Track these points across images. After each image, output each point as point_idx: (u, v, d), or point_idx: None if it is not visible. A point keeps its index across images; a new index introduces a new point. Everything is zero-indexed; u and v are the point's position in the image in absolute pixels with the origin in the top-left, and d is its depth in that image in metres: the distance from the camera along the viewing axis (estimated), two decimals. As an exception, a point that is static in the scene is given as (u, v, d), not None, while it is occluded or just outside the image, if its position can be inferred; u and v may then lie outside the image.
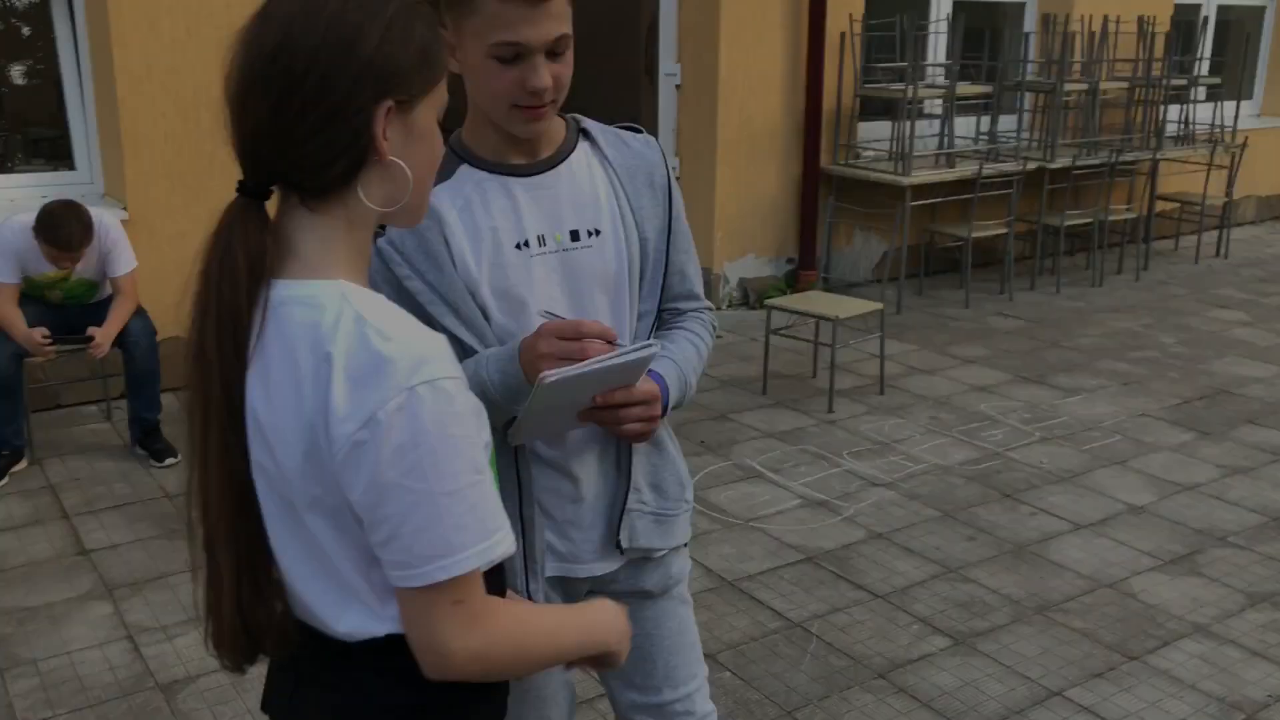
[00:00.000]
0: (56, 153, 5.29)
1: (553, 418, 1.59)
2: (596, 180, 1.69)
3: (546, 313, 1.59)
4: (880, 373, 5.43)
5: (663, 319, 1.80)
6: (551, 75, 1.52)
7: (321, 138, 1.13)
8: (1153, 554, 3.80)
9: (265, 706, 1.35)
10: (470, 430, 1.13)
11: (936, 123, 7.48)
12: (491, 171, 1.62)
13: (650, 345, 1.54)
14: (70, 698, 2.97)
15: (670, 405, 1.69)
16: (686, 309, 1.82)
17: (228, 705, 2.93)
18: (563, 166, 1.66)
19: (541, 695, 1.79)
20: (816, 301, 5.43)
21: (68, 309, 4.40)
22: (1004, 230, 7.15)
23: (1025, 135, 7.81)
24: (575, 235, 1.66)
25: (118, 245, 4.31)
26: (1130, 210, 8.02)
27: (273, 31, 1.13)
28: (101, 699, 2.96)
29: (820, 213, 6.99)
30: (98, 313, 4.37)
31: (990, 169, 6.97)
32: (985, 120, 7.71)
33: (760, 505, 4.15)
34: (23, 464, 4.38)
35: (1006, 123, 7.89)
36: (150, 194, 4.95)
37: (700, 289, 1.84)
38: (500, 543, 1.14)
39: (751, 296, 6.91)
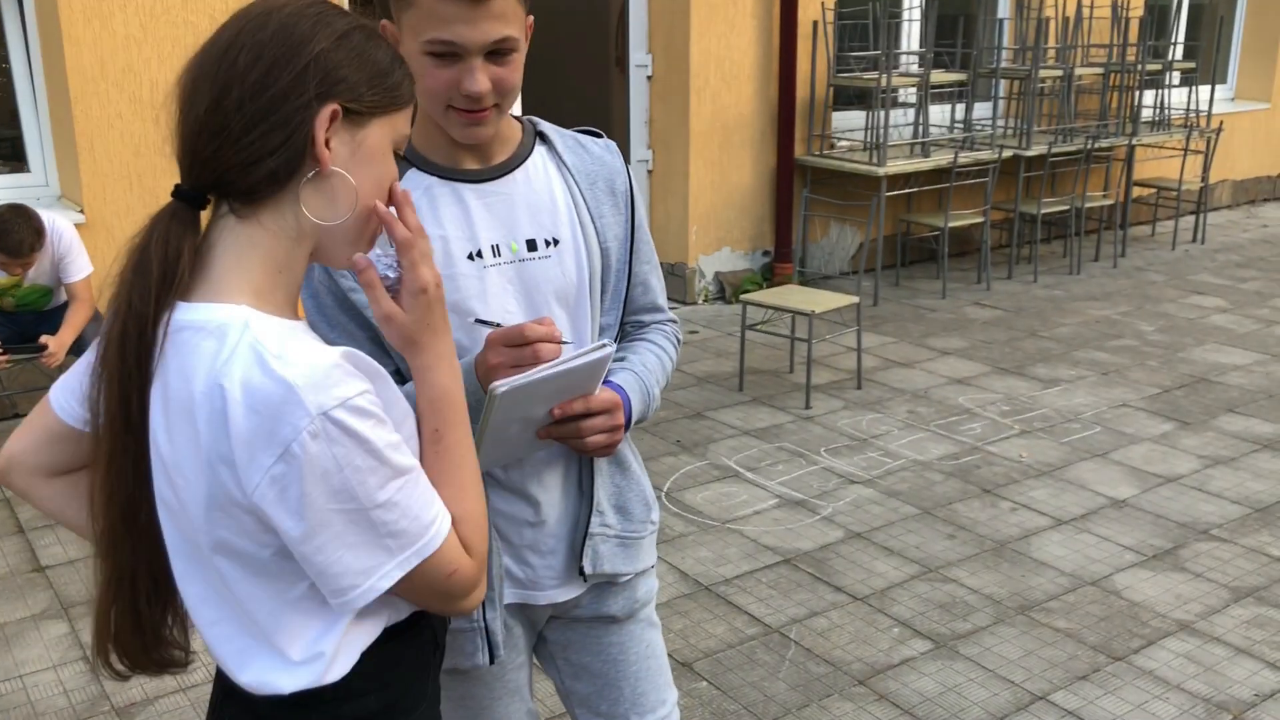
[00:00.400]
0: (12, 154, 5.15)
1: (512, 436, 1.49)
2: (554, 187, 1.59)
3: (479, 321, 1.50)
4: (857, 367, 5.36)
5: (625, 331, 1.71)
6: (492, 79, 1.42)
7: (256, 132, 1.08)
8: (1135, 549, 3.74)
9: None
10: (387, 434, 1.08)
11: (911, 111, 7.41)
12: (442, 177, 1.53)
13: (605, 345, 1.46)
14: (22, 723, 2.86)
15: (633, 418, 1.60)
16: (650, 321, 1.73)
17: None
18: (518, 172, 1.57)
19: (503, 725, 1.70)
20: (792, 295, 5.35)
21: (21, 316, 4.28)
22: (980, 219, 7.09)
23: (1000, 123, 7.75)
24: (532, 245, 1.56)
25: (72, 250, 4.19)
26: (1106, 197, 7.97)
27: (227, 34, 1.12)
28: (55, 724, 2.86)
29: (795, 204, 6.91)
30: (53, 319, 4.24)
31: (965, 157, 6.90)
32: (960, 108, 7.64)
33: (737, 505, 4.07)
34: (-22, 476, 4.25)
35: (981, 110, 7.83)
36: (107, 195, 4.82)
37: (664, 301, 1.75)
38: (438, 533, 1.13)
39: (727, 290, 6.83)
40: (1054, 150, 7.35)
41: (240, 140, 1.08)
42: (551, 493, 1.62)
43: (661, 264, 6.86)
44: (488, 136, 1.50)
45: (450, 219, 1.52)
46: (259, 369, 1.04)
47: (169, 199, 1.13)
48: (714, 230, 6.75)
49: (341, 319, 1.51)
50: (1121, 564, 3.64)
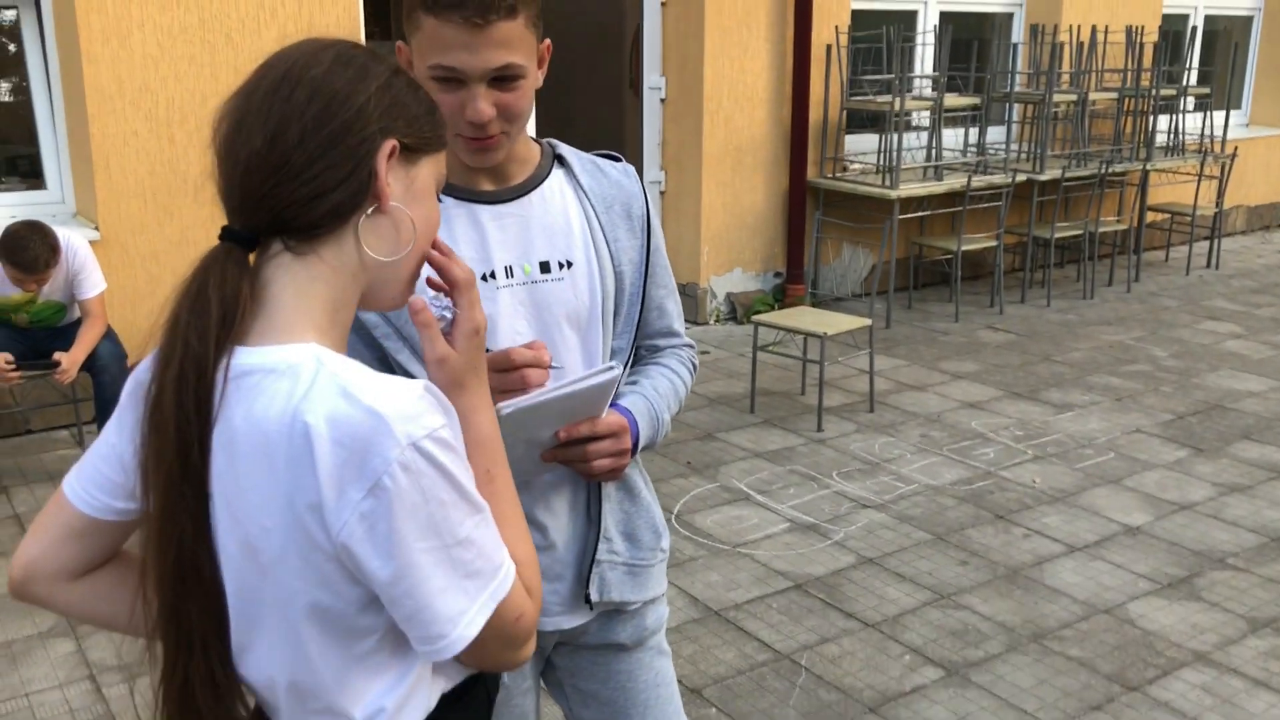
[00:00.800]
0: (31, 171, 5.18)
1: (517, 459, 1.48)
2: (570, 209, 1.59)
3: None
4: (870, 390, 5.34)
5: (640, 355, 1.70)
6: (497, 105, 1.41)
7: (319, 165, 1.06)
8: (1150, 577, 3.70)
9: None
10: (466, 469, 1.07)
11: (924, 135, 7.41)
12: (457, 198, 1.52)
13: (611, 368, 1.44)
14: (28, 742, 2.85)
15: (641, 443, 1.59)
16: (665, 345, 1.72)
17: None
18: (535, 194, 1.56)
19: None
20: (804, 317, 5.34)
21: (35, 332, 4.29)
22: (993, 243, 7.08)
23: (1014, 147, 7.74)
24: (545, 267, 1.55)
25: (86, 266, 4.20)
26: (1120, 221, 7.95)
27: (274, 72, 1.10)
28: (61, 743, 2.84)
29: (808, 226, 6.90)
30: (66, 336, 4.25)
31: (979, 181, 6.89)
32: (973, 132, 7.64)
33: (748, 529, 4.04)
34: (-11, 492, 4.26)
35: (995, 134, 7.82)
36: (122, 213, 4.84)
37: (680, 326, 1.74)
38: (509, 574, 1.10)
39: (739, 311, 6.82)
40: (1068, 175, 7.34)
41: (301, 175, 1.06)
42: (559, 518, 1.60)
43: (674, 285, 6.90)
44: (496, 161, 1.50)
45: (465, 240, 1.52)
46: (344, 401, 1.01)
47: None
48: (726, 251, 6.75)
49: (353, 341, 1.50)
50: (1136, 592, 3.61)
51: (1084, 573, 3.73)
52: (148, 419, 1.06)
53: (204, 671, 1.10)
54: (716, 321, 6.78)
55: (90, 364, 4.23)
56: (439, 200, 1.20)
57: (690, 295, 6.74)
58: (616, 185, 1.63)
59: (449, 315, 1.21)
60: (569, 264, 1.57)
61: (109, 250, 4.72)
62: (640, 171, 6.79)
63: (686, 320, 6.67)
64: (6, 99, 5.27)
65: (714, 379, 5.73)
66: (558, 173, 1.60)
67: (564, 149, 1.62)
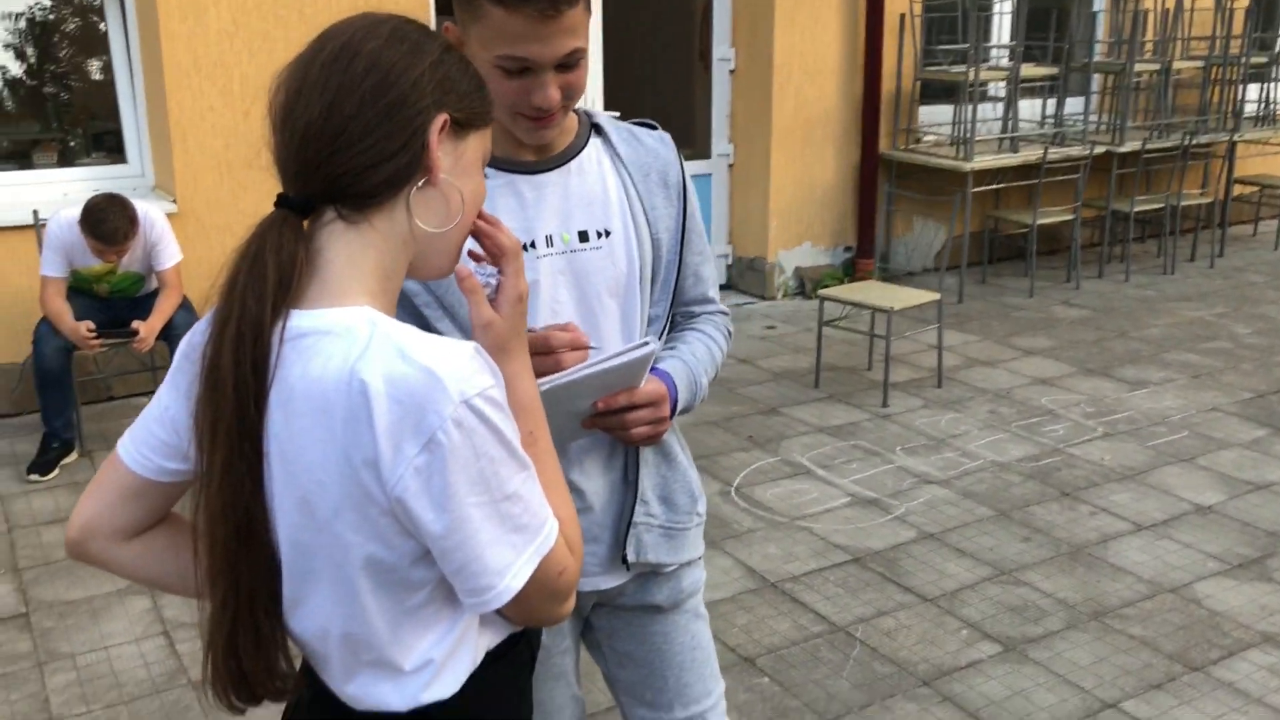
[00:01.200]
0: (114, 146, 5.33)
1: (555, 428, 1.51)
2: (608, 178, 1.60)
3: None
4: (938, 365, 5.27)
5: (675, 322, 1.71)
6: (562, 87, 1.43)
7: (375, 136, 1.09)
8: (1220, 557, 3.62)
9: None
10: (513, 428, 1.10)
11: (1000, 106, 7.26)
12: (498, 169, 1.54)
13: (648, 343, 1.46)
14: (105, 693, 2.97)
15: (679, 407, 1.60)
16: (700, 312, 1.73)
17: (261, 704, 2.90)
18: (573, 163, 1.58)
19: (548, 709, 1.72)
20: (871, 292, 5.29)
21: (115, 302, 4.43)
22: (1070, 216, 6.92)
23: (1093, 118, 7.55)
24: (584, 236, 1.57)
25: (163, 238, 4.32)
26: (1204, 195, 7.72)
27: (332, 43, 1.12)
28: (135, 695, 2.95)
29: (879, 199, 6.82)
30: (144, 306, 4.38)
31: (1056, 153, 6.74)
32: (1051, 103, 7.46)
33: (808, 503, 4.04)
34: (73, 456, 4.42)
35: (1073, 105, 7.63)
36: (198, 186, 4.97)
37: (715, 293, 1.75)
38: (552, 530, 1.14)
39: (807, 286, 6.77)
40: (1149, 146, 7.14)
41: (357, 145, 1.09)
42: (596, 481, 1.63)
43: (741, 259, 6.86)
44: (555, 136, 1.53)
45: (506, 210, 1.54)
46: (401, 360, 1.04)
47: (273, 189, 1.13)
48: (795, 225, 6.70)
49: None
50: (1204, 572, 3.53)
51: (1151, 551, 3.66)
52: (205, 378, 1.09)
53: (250, 625, 1.13)
54: (784, 296, 6.74)
55: (167, 333, 4.36)
56: (485, 176, 1.22)
57: (758, 270, 6.71)
58: (653, 154, 1.64)
59: (493, 283, 1.24)
60: (607, 233, 1.58)
61: (185, 223, 4.85)
62: (708, 144, 6.78)
63: (753, 295, 6.67)
64: (96, 77, 5.42)
65: (779, 354, 5.71)
66: (595, 142, 1.61)
67: (601, 118, 1.64)
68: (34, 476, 4.25)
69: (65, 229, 4.16)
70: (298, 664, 1.21)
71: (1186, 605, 3.34)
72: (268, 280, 1.07)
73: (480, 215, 1.23)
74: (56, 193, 4.99)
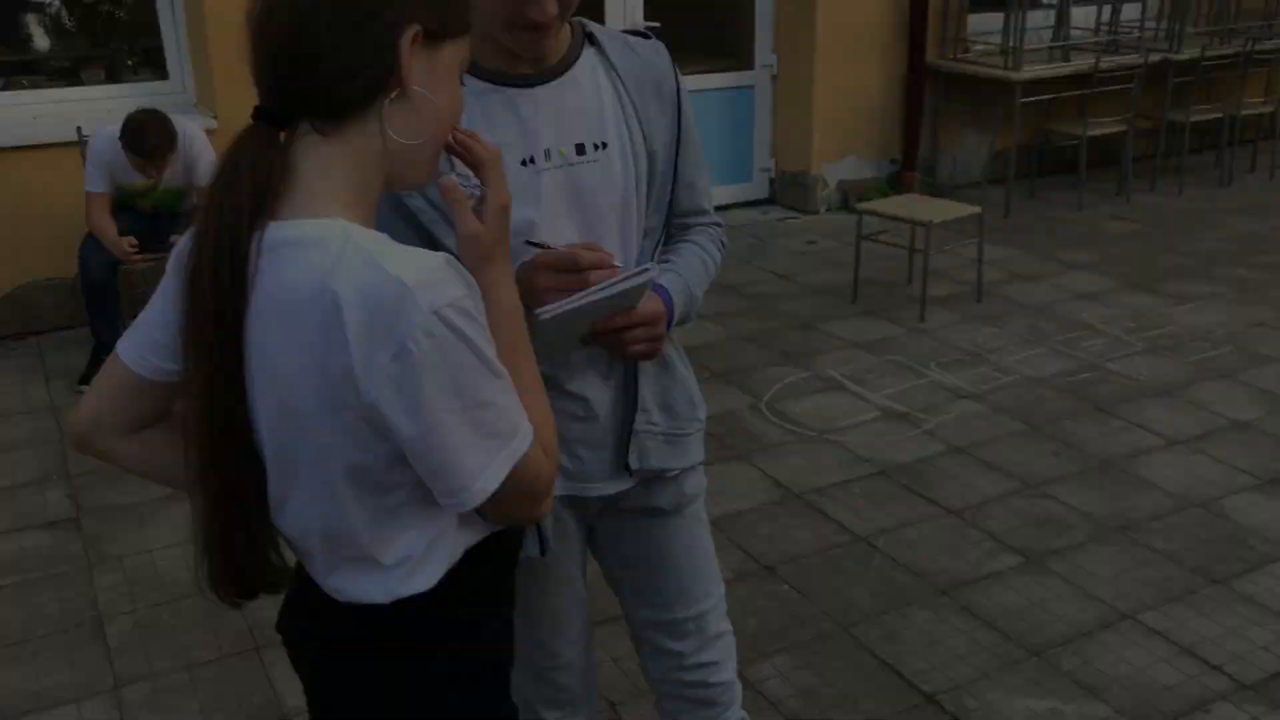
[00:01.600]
0: (155, 62, 5.38)
1: (554, 347, 1.53)
2: (602, 90, 1.60)
3: (529, 243, 1.50)
4: (978, 279, 5.22)
5: (669, 233, 1.72)
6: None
7: (346, 49, 1.11)
8: (1251, 472, 3.59)
9: (278, 627, 1.39)
10: (486, 338, 1.12)
11: (1051, 13, 7.05)
12: (494, 83, 1.54)
13: (647, 269, 1.48)
14: (149, 593, 3.10)
15: (675, 320, 1.62)
16: (694, 224, 1.74)
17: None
18: (568, 75, 1.57)
19: (556, 615, 1.78)
20: (911, 205, 5.22)
21: (159, 217, 4.50)
22: (1123, 128, 6.75)
23: (1149, 25, 7.30)
24: (580, 149, 1.57)
25: (203, 154, 4.38)
26: (1266, 104, 7.46)
27: None
28: (177, 595, 3.08)
29: (925, 111, 6.69)
30: (187, 220, 4.46)
31: (1109, 62, 6.55)
32: (1105, 10, 7.22)
33: (837, 417, 4.05)
34: (122, 368, 4.54)
35: (1129, 12, 7.38)
36: (238, 103, 4.93)
37: (709, 204, 1.75)
38: (526, 435, 1.17)
39: (851, 200, 6.69)
40: (1208, 54, 6.91)
41: (329, 58, 1.10)
42: (598, 391, 1.65)
43: (784, 172, 6.78)
44: (551, 47, 1.52)
45: (503, 125, 1.53)
46: (369, 270, 1.06)
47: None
48: (839, 137, 6.60)
49: (402, 228, 1.53)
50: (1234, 487, 3.51)
51: (1181, 466, 3.64)
52: (187, 289, 1.13)
53: (240, 522, 1.19)
54: (828, 210, 6.67)
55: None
56: (463, 84, 1.23)
57: (801, 184, 6.64)
58: (646, 63, 1.63)
59: (477, 194, 1.26)
60: (604, 145, 1.58)
61: (226, 139, 4.85)
62: (751, 55, 6.65)
63: (796, 209, 6.60)
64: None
65: (819, 269, 5.68)
66: (589, 52, 1.60)
67: (594, 27, 1.63)
68: (84, 388, 4.37)
69: (107, 145, 4.23)
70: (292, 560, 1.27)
71: (1213, 520, 3.33)
72: (244, 193, 1.10)
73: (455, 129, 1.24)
74: (101, 110, 5.05)
